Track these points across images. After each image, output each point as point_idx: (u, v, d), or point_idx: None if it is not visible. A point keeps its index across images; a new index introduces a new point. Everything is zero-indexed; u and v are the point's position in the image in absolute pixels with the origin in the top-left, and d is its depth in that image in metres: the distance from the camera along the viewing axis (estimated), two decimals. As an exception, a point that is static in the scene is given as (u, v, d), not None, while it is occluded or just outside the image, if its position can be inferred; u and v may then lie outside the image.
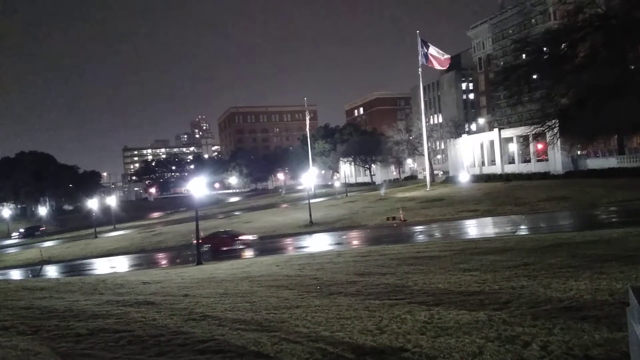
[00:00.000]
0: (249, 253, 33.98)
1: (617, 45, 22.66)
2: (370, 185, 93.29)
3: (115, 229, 73.28)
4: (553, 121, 28.11)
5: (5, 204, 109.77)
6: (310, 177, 68.67)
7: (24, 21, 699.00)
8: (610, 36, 22.98)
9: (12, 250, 65.80)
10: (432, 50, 58.51)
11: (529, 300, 8.17)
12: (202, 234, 38.48)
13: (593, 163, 55.25)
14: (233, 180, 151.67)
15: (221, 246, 36.35)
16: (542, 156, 61.07)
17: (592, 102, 23.83)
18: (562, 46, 25.07)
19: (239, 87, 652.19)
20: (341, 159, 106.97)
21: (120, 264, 38.01)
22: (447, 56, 59.26)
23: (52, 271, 38.63)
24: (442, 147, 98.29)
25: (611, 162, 52.39)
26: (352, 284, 12.23)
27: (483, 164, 68.25)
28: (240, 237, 37.40)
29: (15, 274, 39.65)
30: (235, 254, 33.98)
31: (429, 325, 7.09)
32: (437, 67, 60.79)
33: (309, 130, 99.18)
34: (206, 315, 9.40)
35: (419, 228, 35.84)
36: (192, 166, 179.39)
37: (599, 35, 23.52)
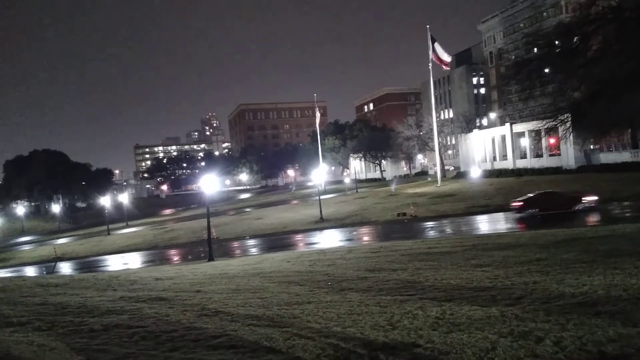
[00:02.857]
0: (592, 219, 28.16)
1: (630, 38, 22.36)
2: (381, 181, 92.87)
3: (127, 226, 73.88)
4: (565, 115, 27.87)
5: (19, 201, 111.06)
6: (320, 174, 68.63)
7: (31, 18, 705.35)
8: (623, 29, 22.72)
9: (26, 247, 66.69)
10: (439, 47, 58.25)
11: (541, 296, 8.14)
12: (529, 195, 32.40)
13: (606, 157, 54.72)
14: (243, 177, 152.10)
15: (555, 209, 30.33)
16: (555, 151, 60.53)
17: (605, 96, 23.52)
18: (575, 39, 24.74)
19: (248, 85, 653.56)
20: (351, 155, 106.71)
21: (133, 261, 38.33)
22: (448, 59, 59.16)
23: (65, 268, 39.10)
24: (453, 142, 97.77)
25: (624, 156, 51.86)
26: (363, 279, 12.23)
27: (494, 159, 67.79)
28: (584, 198, 30.92)
29: (30, 271, 40.18)
30: (572, 220, 27.60)
31: (441, 321, 7.08)
32: (442, 66, 60.62)
33: (319, 126, 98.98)
34: (218, 311, 9.47)
35: (429, 224, 35.74)
36: (203, 163, 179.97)
37: (612, 27, 23.17)
